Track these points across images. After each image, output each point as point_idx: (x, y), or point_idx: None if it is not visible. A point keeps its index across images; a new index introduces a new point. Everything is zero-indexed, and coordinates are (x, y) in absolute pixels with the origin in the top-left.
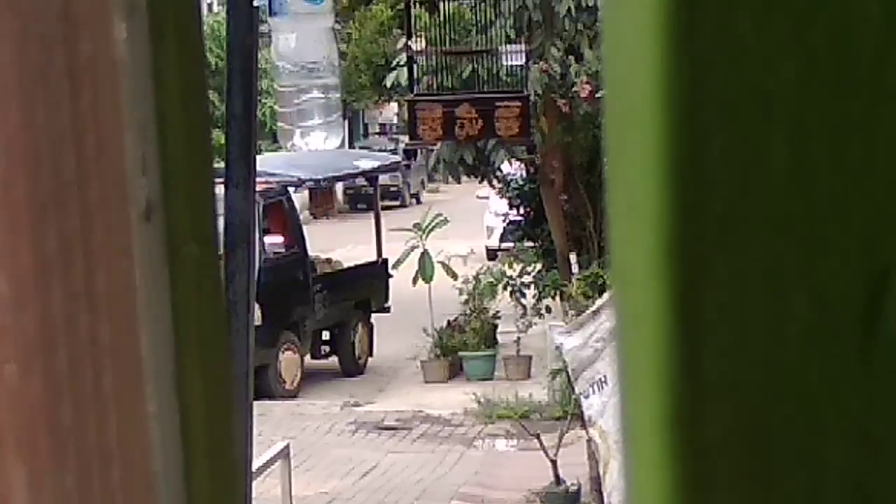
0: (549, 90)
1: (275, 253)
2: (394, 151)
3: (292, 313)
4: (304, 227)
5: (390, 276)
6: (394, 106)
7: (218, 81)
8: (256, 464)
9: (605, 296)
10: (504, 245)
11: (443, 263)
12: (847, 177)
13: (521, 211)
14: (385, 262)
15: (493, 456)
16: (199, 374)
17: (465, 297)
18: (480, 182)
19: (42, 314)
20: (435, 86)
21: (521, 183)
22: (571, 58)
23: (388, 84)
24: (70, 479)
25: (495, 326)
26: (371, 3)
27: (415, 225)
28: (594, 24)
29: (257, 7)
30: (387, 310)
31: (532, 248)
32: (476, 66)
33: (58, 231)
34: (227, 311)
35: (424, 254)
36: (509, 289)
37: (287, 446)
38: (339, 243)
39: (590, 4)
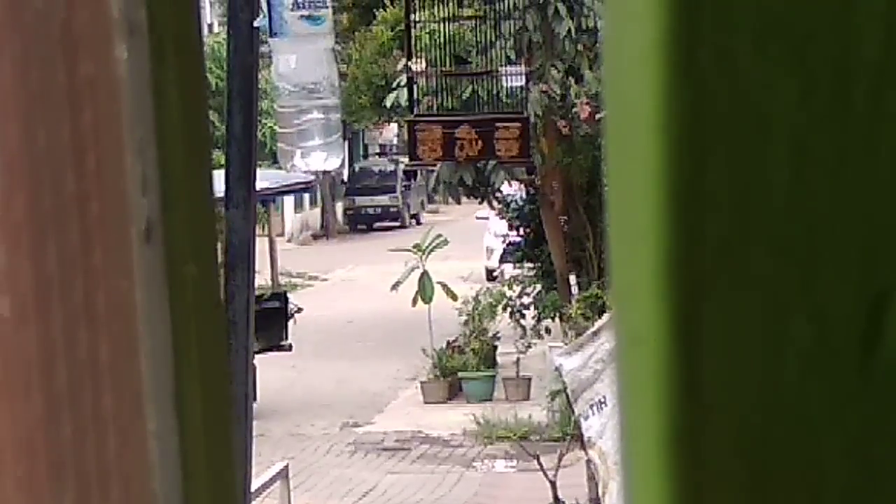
0: (549, 111)
1: None
2: (393, 172)
3: None
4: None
5: (292, 310)
6: (394, 127)
7: (218, 102)
8: (256, 484)
9: (605, 317)
10: (504, 266)
11: (442, 284)
12: (846, 198)
13: (521, 232)
14: (280, 295)
15: (493, 477)
16: (198, 393)
17: (464, 317)
18: (480, 203)
19: (42, 333)
20: (435, 107)
21: (520, 204)
22: (571, 79)
23: (388, 105)
24: (69, 499)
25: (495, 347)
26: (371, 24)
27: (415, 246)
28: (594, 46)
29: (258, 28)
30: (285, 348)
31: (532, 269)
32: (476, 87)
33: (58, 250)
34: (227, 330)
35: (424, 274)
36: (509, 310)
37: (286, 467)
38: (338, 264)
39: (590, 26)
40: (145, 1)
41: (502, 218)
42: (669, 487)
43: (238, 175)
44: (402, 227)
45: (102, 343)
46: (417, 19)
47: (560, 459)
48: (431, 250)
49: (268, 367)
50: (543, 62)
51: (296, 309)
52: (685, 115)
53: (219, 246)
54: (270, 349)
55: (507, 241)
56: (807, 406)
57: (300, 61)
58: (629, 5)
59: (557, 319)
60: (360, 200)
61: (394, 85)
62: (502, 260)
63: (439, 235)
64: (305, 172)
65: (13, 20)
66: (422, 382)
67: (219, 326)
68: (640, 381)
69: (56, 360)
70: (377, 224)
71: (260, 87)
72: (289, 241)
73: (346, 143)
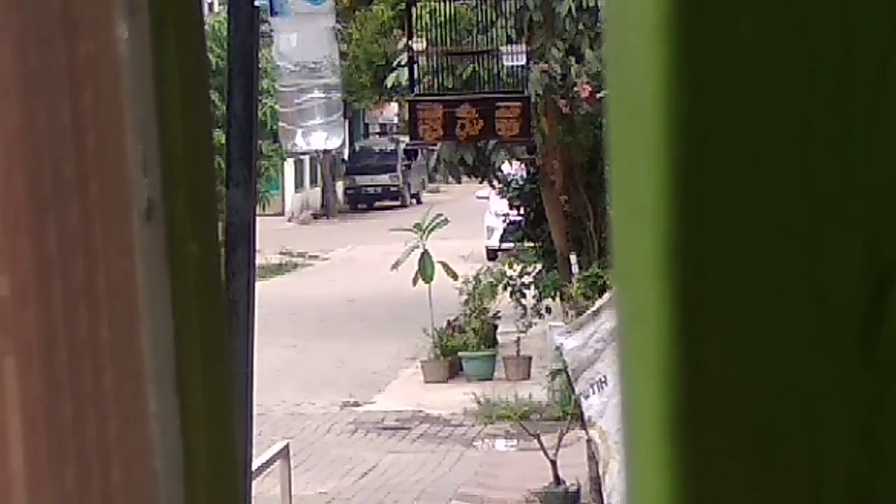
0: (549, 91)
1: None
2: (394, 151)
3: None
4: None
5: None
6: (394, 106)
7: (219, 81)
8: (256, 463)
9: (606, 296)
10: (504, 245)
11: (443, 263)
12: (849, 177)
13: (522, 211)
14: None
15: (493, 456)
16: (199, 373)
17: (465, 297)
18: (481, 182)
19: (42, 313)
20: (436, 86)
21: (521, 183)
22: (572, 58)
23: (389, 84)
24: (70, 478)
25: (495, 327)
26: (372, 4)
27: (415, 225)
28: (595, 25)
29: (258, 7)
30: None
31: (532, 248)
32: (477, 66)
33: (58, 230)
34: (228, 310)
35: (425, 254)
36: (509, 289)
37: (287, 446)
38: (338, 243)
39: (591, 5)
40: None
41: (503, 197)
42: (671, 467)
43: (239, 155)
44: (403, 206)
45: (103, 323)
46: None
47: (560, 439)
48: (432, 230)
49: (268, 347)
50: (544, 41)
51: None
52: (688, 94)
53: (219, 225)
54: None
55: (507, 221)
56: (810, 385)
57: (301, 40)
58: None
59: (558, 299)
60: (361, 180)
61: (394, 64)
62: (503, 239)
63: (440, 215)
64: (306, 151)
65: None
66: (422, 362)
67: (220, 306)
68: (641, 361)
69: (56, 339)
70: (378, 203)
71: (260, 66)
72: (289, 220)
73: (347, 122)
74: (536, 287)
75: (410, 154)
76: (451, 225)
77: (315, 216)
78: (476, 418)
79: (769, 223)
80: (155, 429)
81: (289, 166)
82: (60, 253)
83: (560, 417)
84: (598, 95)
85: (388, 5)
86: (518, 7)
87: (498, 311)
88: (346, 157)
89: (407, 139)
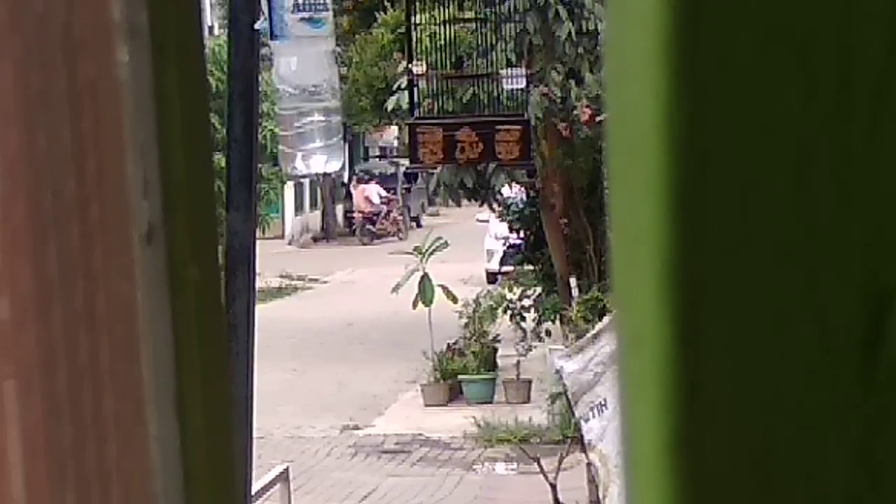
0: (549, 114)
1: None
2: (394, 175)
3: None
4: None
5: None
6: (394, 129)
7: (219, 104)
8: (256, 486)
9: (605, 320)
10: (504, 268)
11: (443, 287)
12: (848, 201)
13: (522, 234)
14: None
15: (493, 479)
16: (199, 396)
17: (465, 320)
18: (480, 205)
19: (43, 336)
20: (435, 109)
21: (521, 206)
22: (572, 82)
23: (389, 107)
24: (70, 501)
25: (495, 350)
26: (372, 27)
27: (415, 248)
28: (595, 49)
29: (258, 30)
30: None
31: (532, 271)
32: (477, 89)
33: (59, 253)
34: (228, 333)
35: (424, 277)
36: (509, 312)
37: (286, 469)
38: (338, 266)
39: (590, 29)
40: (146, 4)
41: (503, 220)
42: (671, 491)
43: (239, 178)
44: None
45: (103, 346)
46: (418, 22)
47: (560, 462)
48: (432, 253)
49: (268, 370)
50: (544, 65)
51: None
52: (687, 118)
53: (219, 248)
54: None
55: (507, 244)
56: (809, 409)
57: (301, 64)
58: (631, 8)
59: (558, 322)
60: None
61: (394, 88)
62: (503, 262)
63: (439, 238)
64: (306, 175)
65: (14, 23)
66: (422, 385)
67: (220, 329)
68: (641, 384)
69: (56, 362)
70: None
71: (260, 89)
72: (289, 243)
73: (347, 145)
74: (536, 310)
75: (410, 177)
76: (451, 248)
77: (314, 239)
78: (476, 442)
79: (768, 247)
80: (155, 451)
81: (289, 189)
82: (61, 276)
83: (560, 441)
84: (597, 119)
85: (388, 29)
86: (518, 31)
87: (498, 335)
88: (345, 180)
89: (407, 162)
